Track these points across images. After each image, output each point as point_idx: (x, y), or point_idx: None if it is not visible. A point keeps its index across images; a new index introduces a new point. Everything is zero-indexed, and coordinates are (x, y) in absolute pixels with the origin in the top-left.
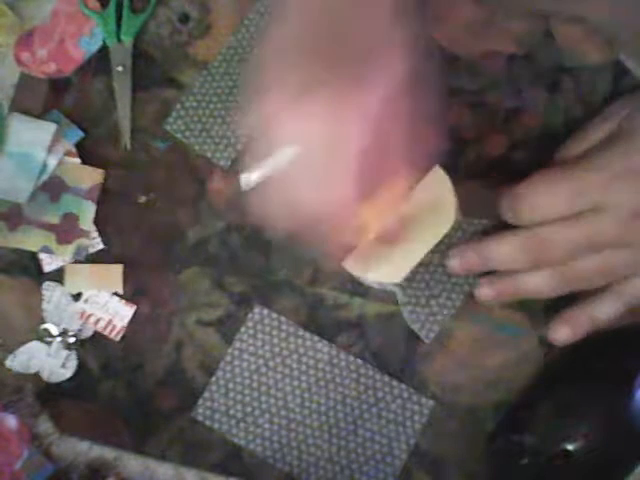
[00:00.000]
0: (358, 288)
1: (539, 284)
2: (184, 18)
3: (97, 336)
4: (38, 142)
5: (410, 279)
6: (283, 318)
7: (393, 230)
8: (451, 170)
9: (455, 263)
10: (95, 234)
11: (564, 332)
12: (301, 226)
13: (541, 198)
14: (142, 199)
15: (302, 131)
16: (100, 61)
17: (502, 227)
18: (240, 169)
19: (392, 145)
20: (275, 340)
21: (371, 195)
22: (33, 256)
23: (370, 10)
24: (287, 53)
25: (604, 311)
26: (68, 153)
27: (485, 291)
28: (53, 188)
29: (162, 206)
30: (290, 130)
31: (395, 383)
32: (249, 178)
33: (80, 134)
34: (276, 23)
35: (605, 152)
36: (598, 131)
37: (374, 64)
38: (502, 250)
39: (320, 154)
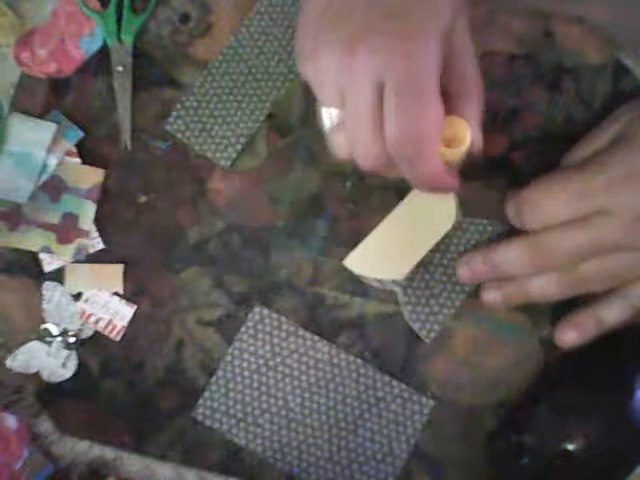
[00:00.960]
0: (358, 288)
1: (545, 288)
2: (184, 18)
3: (97, 336)
4: (38, 142)
5: (410, 279)
6: (283, 318)
7: (393, 229)
8: None
9: (464, 272)
10: (95, 234)
11: (571, 335)
12: (384, 158)
13: (545, 202)
14: (142, 199)
15: (377, 61)
16: (100, 61)
17: (506, 230)
18: (319, 106)
19: (462, 73)
20: (275, 340)
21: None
22: (33, 256)
23: None
24: (329, 12)
25: (611, 314)
26: (68, 153)
27: (492, 295)
28: (53, 188)
29: (162, 206)
30: (361, 64)
31: (395, 383)
32: (330, 114)
33: (80, 134)
34: None
35: (608, 155)
36: (603, 136)
37: (421, 11)
38: (509, 256)
39: (399, 83)
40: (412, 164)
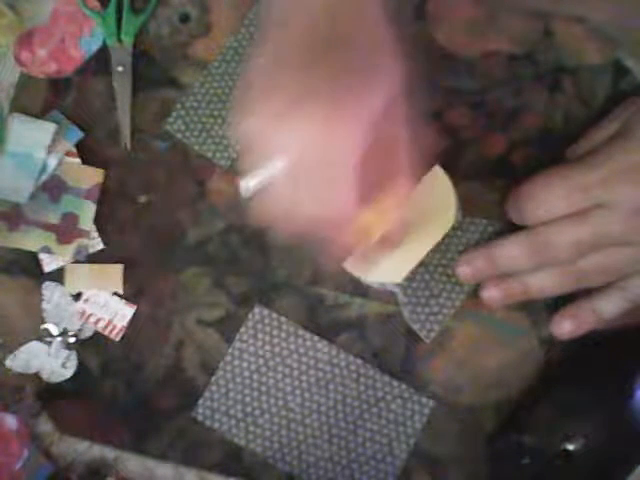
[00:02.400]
0: (358, 288)
1: (545, 284)
2: (184, 18)
3: (97, 336)
4: (38, 142)
5: (410, 279)
6: (283, 318)
7: (393, 230)
8: (451, 170)
9: (465, 270)
10: (95, 234)
11: (567, 326)
12: (302, 230)
13: (545, 196)
14: (142, 199)
15: (295, 142)
16: (100, 61)
17: (506, 229)
18: (239, 176)
19: (392, 148)
20: (275, 340)
21: (373, 199)
22: (33, 256)
23: (367, 13)
24: (281, 61)
25: (608, 307)
26: (68, 153)
27: (492, 293)
28: (53, 188)
29: (162, 206)
30: (281, 142)
31: (395, 383)
32: (248, 185)
33: (80, 134)
34: (273, 29)
35: (607, 150)
36: (603, 133)
37: (373, 69)
38: (509, 252)
39: (316, 163)
40: (319, 234)
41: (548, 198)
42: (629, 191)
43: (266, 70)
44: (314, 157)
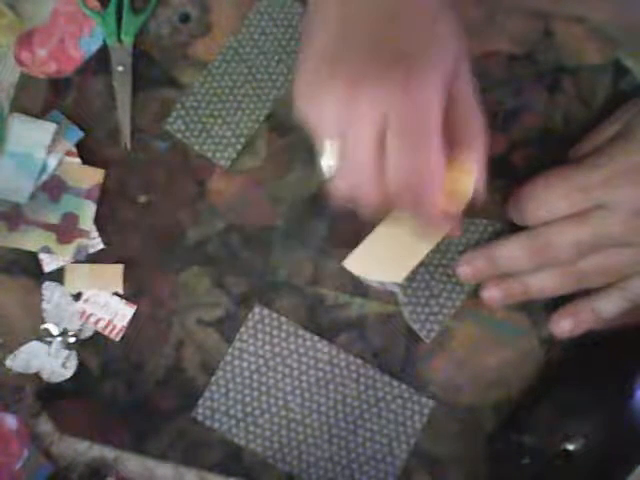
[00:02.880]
0: (358, 288)
1: (545, 284)
2: (184, 18)
3: (97, 336)
4: (38, 142)
5: (410, 279)
6: (283, 318)
7: (393, 230)
8: None
9: (466, 270)
10: (95, 234)
11: (566, 325)
12: (390, 202)
13: (545, 196)
14: (142, 199)
15: (375, 112)
16: (100, 61)
17: (506, 229)
18: (318, 157)
19: (464, 107)
20: (275, 340)
21: (456, 159)
22: (33, 256)
23: (414, 6)
24: (348, 37)
25: (607, 307)
26: (68, 153)
27: (492, 293)
28: (53, 188)
29: (162, 206)
30: (358, 114)
31: (395, 383)
32: (329, 163)
33: (80, 134)
34: (318, 26)
35: (608, 150)
36: (604, 133)
37: (436, 36)
38: (510, 252)
39: (400, 131)
40: (413, 209)
41: (549, 198)
42: (629, 192)
43: (331, 49)
44: (397, 125)
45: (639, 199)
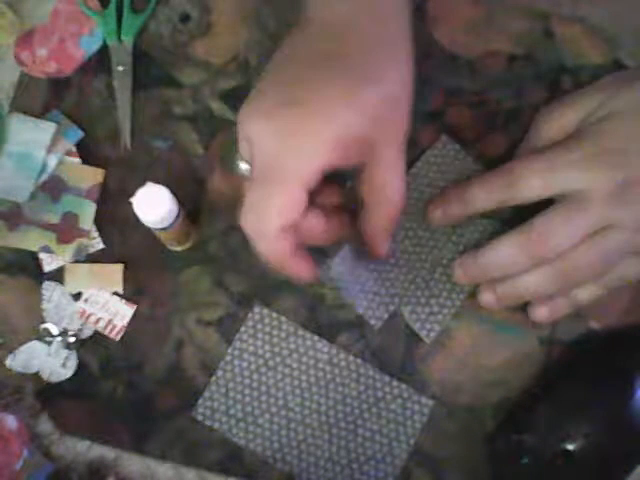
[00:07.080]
0: None
1: (538, 283)
2: (184, 18)
3: (97, 336)
4: (38, 142)
5: (410, 279)
6: (283, 318)
7: None
8: None
9: (459, 274)
10: (95, 234)
11: (543, 311)
12: None
13: (525, 175)
14: None
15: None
16: (100, 61)
17: (506, 229)
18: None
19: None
20: (275, 340)
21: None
22: (33, 256)
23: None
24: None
25: (584, 293)
26: (68, 153)
27: (487, 297)
28: (53, 188)
29: None
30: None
31: (395, 383)
32: (246, 167)
33: (80, 134)
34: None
35: (580, 133)
36: (585, 103)
37: (370, 75)
38: (500, 253)
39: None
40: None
41: (528, 177)
42: (603, 175)
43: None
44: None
45: (614, 180)
